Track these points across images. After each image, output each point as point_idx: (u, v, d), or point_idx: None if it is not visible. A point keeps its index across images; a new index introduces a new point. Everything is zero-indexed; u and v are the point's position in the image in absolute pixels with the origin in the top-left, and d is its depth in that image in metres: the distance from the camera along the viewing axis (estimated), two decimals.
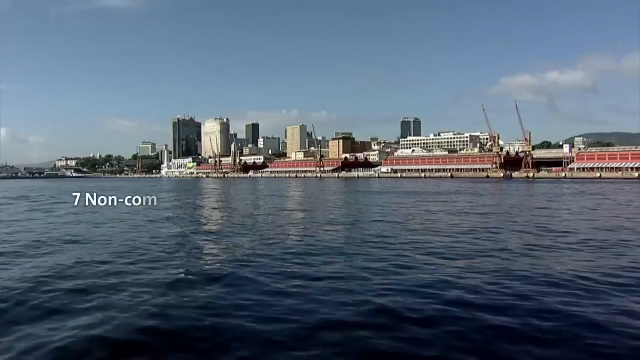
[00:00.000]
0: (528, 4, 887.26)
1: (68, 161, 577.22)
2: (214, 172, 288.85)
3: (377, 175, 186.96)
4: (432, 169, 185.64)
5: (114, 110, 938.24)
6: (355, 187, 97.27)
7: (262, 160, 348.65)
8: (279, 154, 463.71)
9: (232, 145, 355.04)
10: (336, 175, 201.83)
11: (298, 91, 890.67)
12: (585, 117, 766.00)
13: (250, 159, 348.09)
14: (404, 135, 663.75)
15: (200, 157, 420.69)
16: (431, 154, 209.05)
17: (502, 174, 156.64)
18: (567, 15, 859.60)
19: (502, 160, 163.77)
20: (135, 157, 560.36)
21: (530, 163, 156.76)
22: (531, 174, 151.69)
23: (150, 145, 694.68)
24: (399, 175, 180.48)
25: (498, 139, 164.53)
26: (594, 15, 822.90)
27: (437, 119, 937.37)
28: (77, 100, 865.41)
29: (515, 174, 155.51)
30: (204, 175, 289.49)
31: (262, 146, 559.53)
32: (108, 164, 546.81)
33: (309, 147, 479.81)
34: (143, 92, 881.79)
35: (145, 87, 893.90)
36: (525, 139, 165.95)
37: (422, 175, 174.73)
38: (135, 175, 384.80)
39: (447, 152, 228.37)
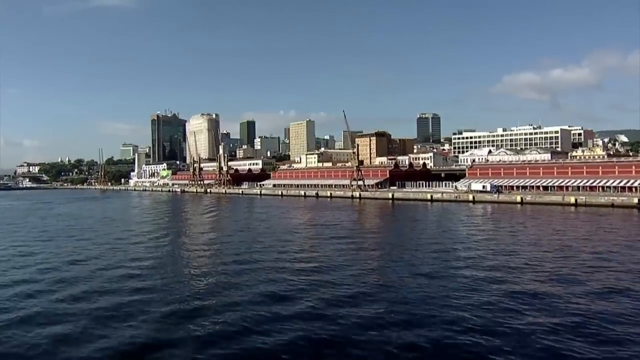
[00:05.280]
0: (532, 2, 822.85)
1: (31, 167, 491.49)
2: (193, 185, 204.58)
3: (470, 198, 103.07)
4: (582, 186, 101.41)
5: (109, 112, 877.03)
6: None
7: (259, 166, 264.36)
8: (280, 157, 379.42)
9: (221, 147, 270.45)
10: (389, 196, 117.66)
11: (296, 91, 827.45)
12: (587, 114, 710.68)
13: (245, 165, 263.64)
14: (421, 134, 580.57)
15: (178, 163, 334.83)
16: (586, 160, 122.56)
17: None
18: (571, 12, 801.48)
19: None
20: (109, 161, 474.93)
21: None
22: None
23: (131, 148, 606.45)
24: (535, 200, 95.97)
25: None
26: (599, 11, 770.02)
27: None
28: (72, 103, 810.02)
29: None
30: (179, 190, 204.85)
31: (259, 147, 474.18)
32: (77, 170, 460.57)
33: (317, 148, 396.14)
34: (138, 94, 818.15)
35: (140, 88, 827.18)
36: None
37: (610, 202, 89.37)
38: (97, 186, 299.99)
39: (576, 156, 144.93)
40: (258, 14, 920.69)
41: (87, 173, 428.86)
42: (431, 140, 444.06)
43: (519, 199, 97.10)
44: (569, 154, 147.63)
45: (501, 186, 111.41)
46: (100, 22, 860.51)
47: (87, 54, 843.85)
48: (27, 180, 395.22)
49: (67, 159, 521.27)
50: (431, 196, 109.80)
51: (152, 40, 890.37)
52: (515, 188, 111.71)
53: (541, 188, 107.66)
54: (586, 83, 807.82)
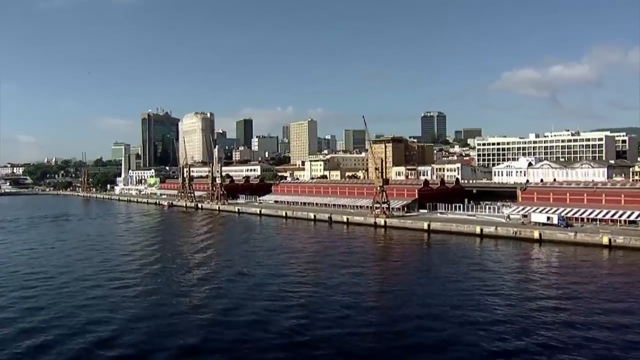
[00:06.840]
0: None
1: (14, 168, 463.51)
2: (182, 198, 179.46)
3: (536, 236, 78.42)
4: None
5: (108, 109, 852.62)
6: None
7: (258, 172, 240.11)
8: (280, 160, 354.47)
9: (215, 151, 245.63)
10: (423, 227, 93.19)
11: (293, 87, 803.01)
12: (587, 112, 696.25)
13: (241, 171, 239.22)
14: (426, 133, 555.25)
15: (167, 168, 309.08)
16: None
17: None
18: (572, 9, 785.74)
19: None
20: (98, 162, 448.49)
21: None
22: None
23: (123, 147, 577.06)
24: None
25: None
26: (599, 7, 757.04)
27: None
28: (69, 99, 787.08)
29: None
30: (167, 204, 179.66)
31: (256, 148, 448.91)
32: (63, 172, 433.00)
33: (320, 150, 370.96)
34: (134, 89, 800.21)
35: (136, 84, 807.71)
36: None
37: None
38: (81, 193, 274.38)
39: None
40: (254, 10, 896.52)
41: (73, 175, 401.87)
42: (439, 141, 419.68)
43: (605, 240, 72.45)
44: (632, 170, 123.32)
45: (569, 217, 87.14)
46: (96, 17, 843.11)
47: (83, 49, 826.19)
48: (8, 183, 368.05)
49: (53, 160, 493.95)
50: (481, 230, 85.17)
51: (148, 35, 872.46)
52: (586, 220, 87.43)
53: (624, 222, 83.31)
54: (586, 80, 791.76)
